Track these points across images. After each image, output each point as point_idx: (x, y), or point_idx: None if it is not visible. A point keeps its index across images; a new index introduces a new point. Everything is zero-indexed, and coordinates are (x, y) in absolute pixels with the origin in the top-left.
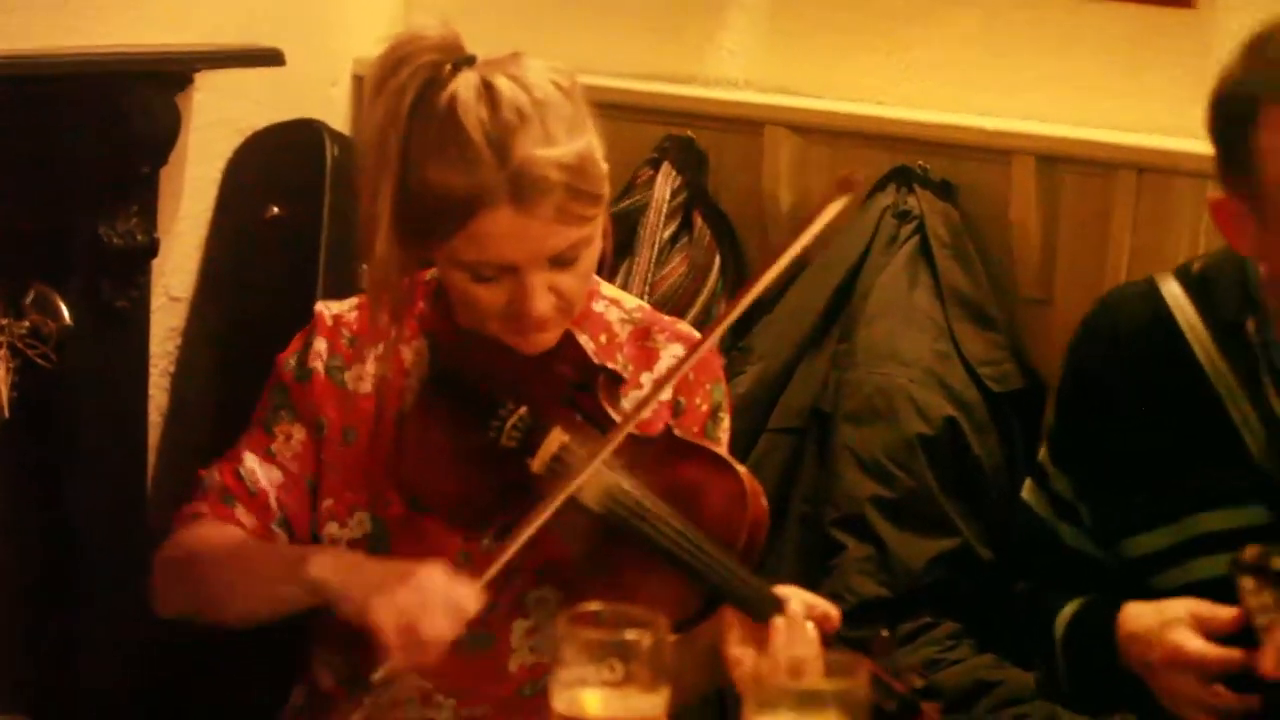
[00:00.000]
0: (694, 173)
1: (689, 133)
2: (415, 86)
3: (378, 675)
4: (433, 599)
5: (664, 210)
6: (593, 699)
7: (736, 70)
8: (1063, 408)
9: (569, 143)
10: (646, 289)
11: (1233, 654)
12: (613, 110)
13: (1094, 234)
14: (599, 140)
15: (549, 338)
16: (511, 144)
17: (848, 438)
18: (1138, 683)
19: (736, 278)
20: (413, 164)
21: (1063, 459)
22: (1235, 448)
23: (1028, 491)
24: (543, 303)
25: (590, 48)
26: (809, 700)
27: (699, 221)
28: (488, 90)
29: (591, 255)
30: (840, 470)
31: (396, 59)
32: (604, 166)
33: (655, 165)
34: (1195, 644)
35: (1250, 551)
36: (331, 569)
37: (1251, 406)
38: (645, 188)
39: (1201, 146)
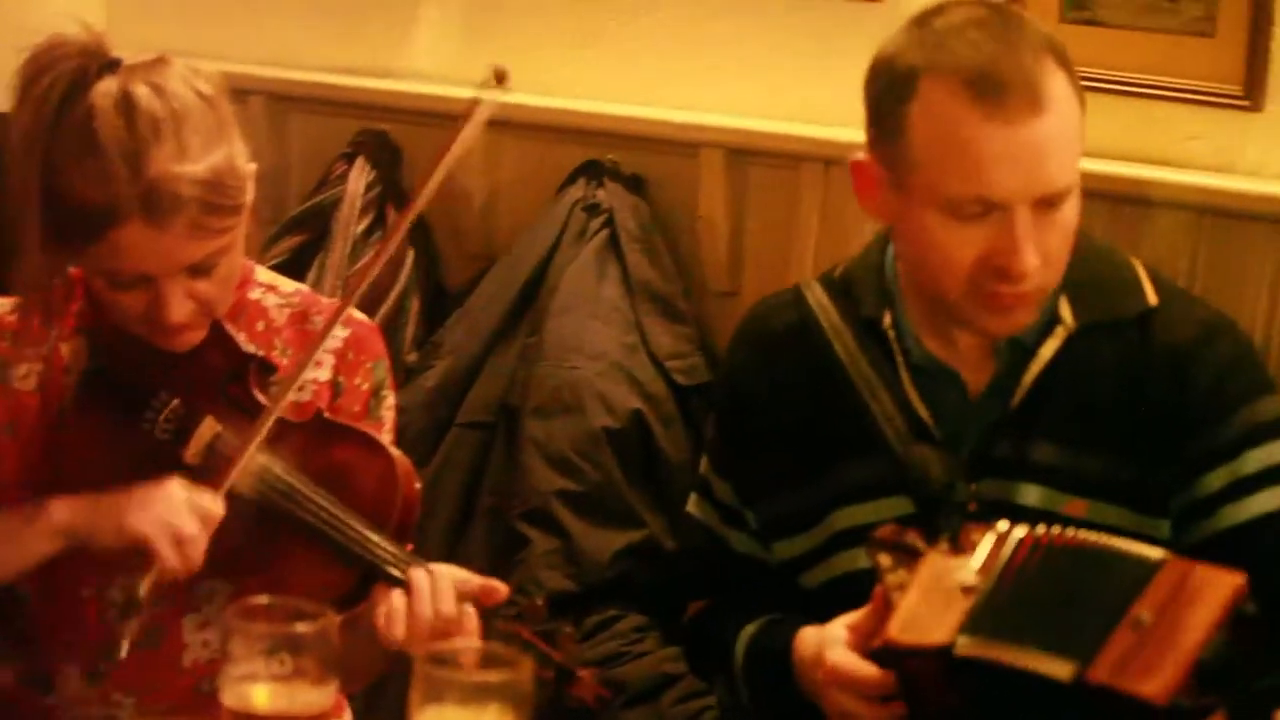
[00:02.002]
0: (388, 167)
1: (384, 127)
2: (58, 93)
3: (144, 586)
4: (182, 505)
5: (358, 204)
6: (261, 693)
7: (431, 64)
8: (720, 417)
9: (205, 156)
10: (340, 283)
11: (887, 675)
12: (308, 104)
13: (781, 227)
14: (243, 146)
15: (192, 337)
16: (145, 159)
17: (534, 431)
18: (816, 707)
19: (429, 271)
20: (55, 171)
21: (723, 467)
22: (877, 441)
23: (693, 505)
24: (179, 310)
25: (287, 42)
26: (473, 693)
27: (392, 215)
28: (125, 101)
29: (232, 261)
30: (527, 464)
31: (39, 65)
32: (247, 171)
33: (350, 159)
34: (850, 661)
35: (885, 529)
36: (73, 510)
37: (890, 398)
38: (339, 182)
39: None
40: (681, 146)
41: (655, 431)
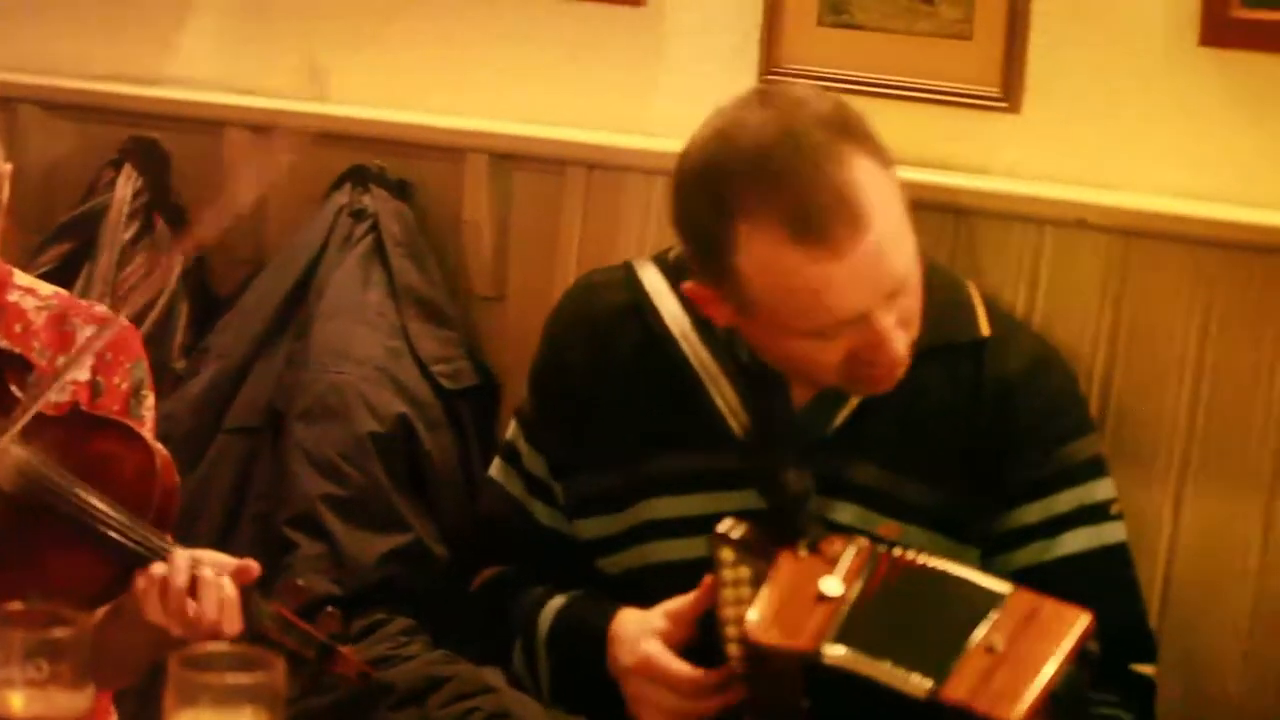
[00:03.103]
0: (156, 174)
1: (153, 134)
2: None
3: None
4: None
5: (125, 211)
6: (17, 699)
7: (200, 70)
8: (538, 388)
9: None
10: (108, 290)
11: (700, 675)
12: (77, 112)
13: (545, 231)
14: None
15: None
16: None
17: (300, 436)
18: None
19: (198, 278)
20: None
21: (537, 439)
22: (717, 434)
23: (497, 471)
24: None
25: (54, 49)
26: (227, 695)
27: (160, 223)
28: None
29: None
30: (293, 469)
31: None
32: (3, 170)
33: (117, 167)
34: (665, 658)
35: (730, 524)
36: None
37: (734, 392)
38: (106, 189)
39: (650, 144)
40: (446, 152)
41: (421, 436)
